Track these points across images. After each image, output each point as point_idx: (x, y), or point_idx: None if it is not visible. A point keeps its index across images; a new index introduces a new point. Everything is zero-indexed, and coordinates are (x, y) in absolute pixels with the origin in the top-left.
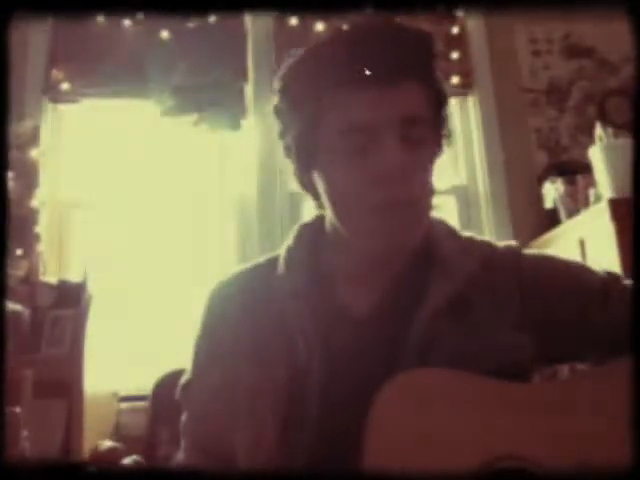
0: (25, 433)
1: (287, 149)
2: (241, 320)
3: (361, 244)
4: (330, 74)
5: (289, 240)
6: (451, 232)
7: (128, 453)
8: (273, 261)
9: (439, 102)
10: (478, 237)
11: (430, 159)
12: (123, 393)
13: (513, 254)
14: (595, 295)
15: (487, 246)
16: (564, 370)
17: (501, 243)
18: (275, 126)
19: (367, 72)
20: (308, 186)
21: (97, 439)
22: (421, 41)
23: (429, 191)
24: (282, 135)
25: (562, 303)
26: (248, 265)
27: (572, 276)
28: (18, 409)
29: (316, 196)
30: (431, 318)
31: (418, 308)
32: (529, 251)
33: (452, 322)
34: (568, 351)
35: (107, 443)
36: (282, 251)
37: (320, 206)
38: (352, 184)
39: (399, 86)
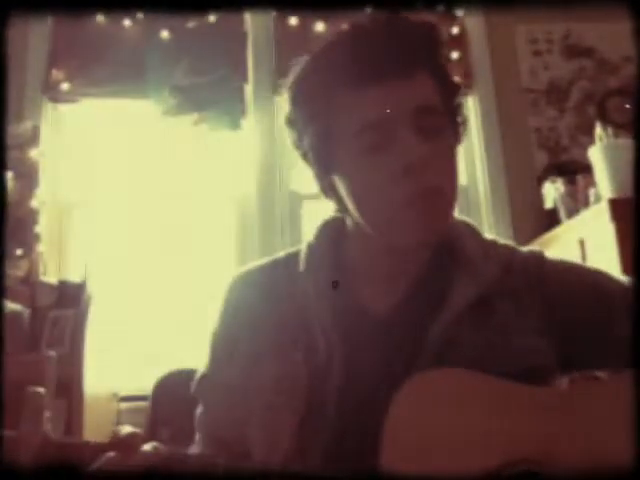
0: (48, 414)
1: (304, 156)
2: (260, 315)
3: (392, 240)
4: (338, 76)
5: (311, 237)
6: (475, 233)
7: (146, 441)
8: (293, 257)
9: (450, 91)
10: (501, 240)
11: (450, 147)
12: (123, 393)
13: (536, 259)
14: (617, 303)
15: (509, 250)
16: (589, 376)
17: (524, 248)
18: (275, 125)
19: (373, 68)
20: (329, 191)
21: (97, 439)
22: (425, 31)
23: (455, 180)
24: (298, 143)
25: (584, 310)
26: (266, 260)
27: (594, 284)
28: (42, 389)
29: (338, 200)
30: (452, 320)
31: (440, 309)
32: (552, 257)
33: (473, 325)
34: (588, 358)
35: (127, 428)
36: (303, 247)
37: (341, 210)
38: (377, 181)
39: (409, 78)
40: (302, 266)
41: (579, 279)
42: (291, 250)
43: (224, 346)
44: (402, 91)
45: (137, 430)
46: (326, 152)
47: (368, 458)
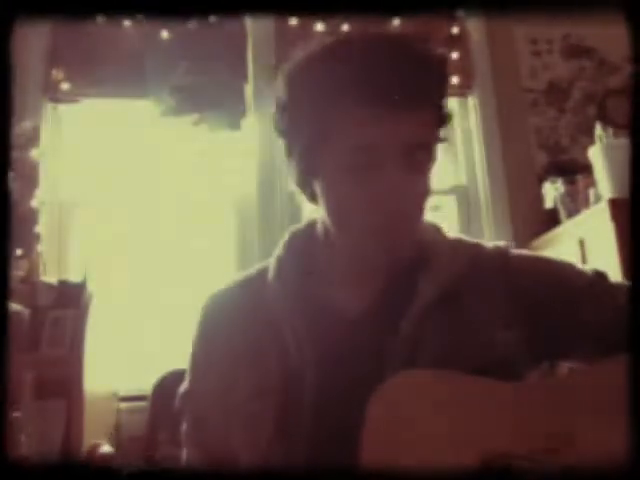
0: (23, 438)
1: (289, 153)
2: (234, 329)
3: (355, 253)
4: (342, 87)
5: (279, 249)
6: (439, 233)
7: (123, 460)
8: (264, 270)
9: (443, 123)
10: (466, 238)
11: (429, 176)
12: (123, 393)
13: (501, 254)
14: (582, 294)
15: (475, 246)
16: (564, 367)
17: (489, 243)
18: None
19: (380, 93)
20: (305, 187)
21: (97, 439)
22: (439, 66)
23: (423, 207)
24: (284, 133)
25: (549, 301)
26: (240, 276)
27: (559, 275)
28: (17, 414)
29: (312, 197)
30: (420, 316)
31: (408, 307)
32: (517, 251)
33: (441, 320)
34: (557, 349)
35: (104, 448)
36: (272, 260)
37: (315, 204)
38: (352, 202)
39: (412, 112)
40: (271, 276)
41: (544, 271)
42: (262, 265)
43: (202, 363)
44: (403, 123)
45: (112, 453)
46: (314, 160)
47: (348, 458)
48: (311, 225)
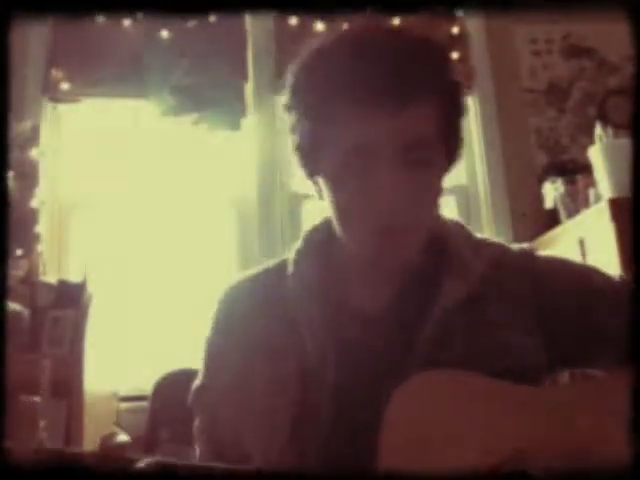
0: (43, 423)
1: (294, 146)
2: (252, 322)
3: (362, 254)
4: (338, 87)
5: (299, 243)
6: (465, 234)
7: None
8: (282, 264)
9: (454, 114)
10: (492, 239)
11: (437, 176)
12: (123, 393)
13: (527, 256)
14: (607, 299)
15: (501, 248)
16: (581, 374)
17: (515, 246)
18: (275, 125)
19: (376, 90)
20: (312, 181)
21: (97, 439)
22: (435, 56)
23: (431, 205)
24: (292, 132)
25: (574, 307)
26: (258, 269)
27: (585, 280)
28: (37, 399)
29: (319, 193)
30: (443, 317)
31: (430, 307)
32: (543, 254)
33: (463, 321)
34: (580, 355)
35: (120, 437)
36: (291, 253)
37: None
38: (351, 205)
39: (408, 110)
40: (290, 269)
41: (570, 276)
42: (282, 258)
43: (217, 356)
44: (398, 123)
45: (127, 439)
46: (313, 153)
47: (364, 457)
48: (329, 221)
